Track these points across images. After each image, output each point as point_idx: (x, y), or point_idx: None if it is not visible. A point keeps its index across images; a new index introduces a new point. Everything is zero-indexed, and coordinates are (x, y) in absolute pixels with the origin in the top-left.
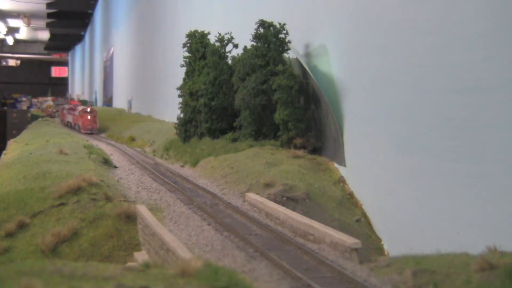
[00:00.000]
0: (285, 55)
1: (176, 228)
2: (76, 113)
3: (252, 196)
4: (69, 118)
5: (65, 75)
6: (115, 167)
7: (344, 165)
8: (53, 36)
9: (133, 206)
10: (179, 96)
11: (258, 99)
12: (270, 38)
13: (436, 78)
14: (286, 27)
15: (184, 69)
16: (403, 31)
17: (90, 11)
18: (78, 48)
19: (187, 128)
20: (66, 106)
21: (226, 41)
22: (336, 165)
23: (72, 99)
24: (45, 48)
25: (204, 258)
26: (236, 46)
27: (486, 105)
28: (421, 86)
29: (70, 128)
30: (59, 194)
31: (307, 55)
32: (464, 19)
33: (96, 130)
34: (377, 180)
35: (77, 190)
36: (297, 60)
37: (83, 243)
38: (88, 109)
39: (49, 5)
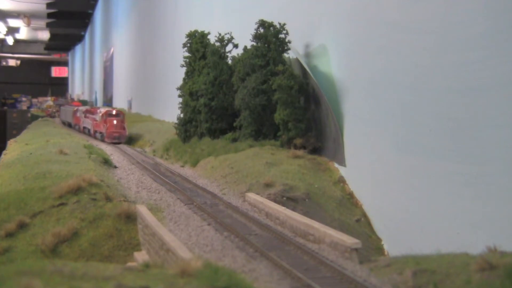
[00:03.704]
0: (285, 55)
1: (176, 228)
2: (97, 117)
3: (252, 196)
4: (87, 123)
5: (65, 75)
6: (115, 167)
7: (344, 165)
8: (53, 36)
9: (133, 206)
10: (179, 96)
11: (258, 99)
12: (270, 38)
13: (436, 78)
14: (286, 27)
15: (184, 69)
16: (403, 31)
17: (90, 11)
18: (78, 48)
19: (187, 128)
20: (81, 109)
21: (226, 41)
22: (336, 165)
23: (73, 100)
24: (45, 48)
25: (204, 258)
26: (236, 46)
27: (486, 105)
28: (421, 86)
29: (88, 135)
30: (59, 194)
31: (307, 55)
32: (464, 19)
33: (125, 138)
34: (377, 180)
35: (77, 190)
36: (297, 60)
37: (83, 243)
38: (114, 112)
39: (49, 5)
